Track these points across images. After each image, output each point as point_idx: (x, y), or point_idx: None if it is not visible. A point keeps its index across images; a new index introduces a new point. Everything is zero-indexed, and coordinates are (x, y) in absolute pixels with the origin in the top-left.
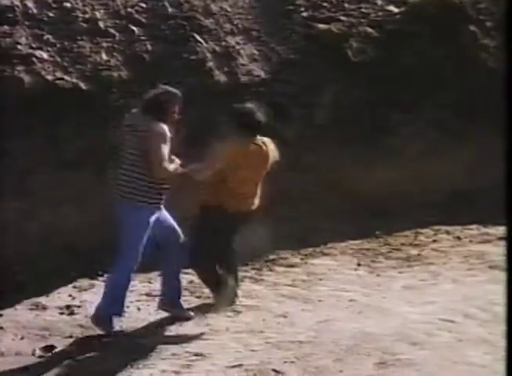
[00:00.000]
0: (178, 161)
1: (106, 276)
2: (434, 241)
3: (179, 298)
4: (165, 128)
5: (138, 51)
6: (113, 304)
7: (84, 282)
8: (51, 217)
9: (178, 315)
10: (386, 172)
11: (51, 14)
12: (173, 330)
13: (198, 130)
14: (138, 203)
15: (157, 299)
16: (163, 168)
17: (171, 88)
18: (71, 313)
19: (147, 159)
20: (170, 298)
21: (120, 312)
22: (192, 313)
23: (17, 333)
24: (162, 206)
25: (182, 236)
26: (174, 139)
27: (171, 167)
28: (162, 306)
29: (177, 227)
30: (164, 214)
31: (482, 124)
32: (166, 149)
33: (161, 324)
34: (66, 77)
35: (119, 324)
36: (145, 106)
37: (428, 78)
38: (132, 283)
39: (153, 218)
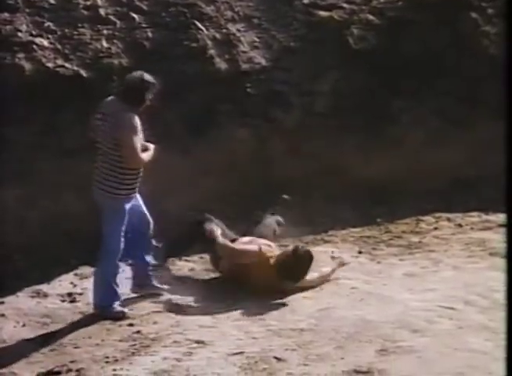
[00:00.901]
0: (151, 146)
1: (94, 269)
2: (435, 229)
3: (148, 276)
4: (136, 118)
5: (138, 38)
6: (107, 294)
7: (85, 270)
8: (52, 204)
9: (151, 292)
10: (387, 160)
11: (51, 1)
12: (174, 317)
13: (198, 117)
14: (114, 194)
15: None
16: (136, 159)
17: (147, 76)
18: (73, 301)
19: (119, 148)
20: (140, 278)
21: (117, 299)
22: (165, 287)
23: (19, 320)
24: (136, 192)
25: (151, 221)
26: (145, 127)
27: (144, 156)
28: (134, 289)
29: (146, 212)
30: (137, 199)
31: (483, 112)
32: (137, 139)
33: (162, 312)
34: (66, 65)
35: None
36: (121, 92)
37: (429, 66)
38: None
39: (128, 206)
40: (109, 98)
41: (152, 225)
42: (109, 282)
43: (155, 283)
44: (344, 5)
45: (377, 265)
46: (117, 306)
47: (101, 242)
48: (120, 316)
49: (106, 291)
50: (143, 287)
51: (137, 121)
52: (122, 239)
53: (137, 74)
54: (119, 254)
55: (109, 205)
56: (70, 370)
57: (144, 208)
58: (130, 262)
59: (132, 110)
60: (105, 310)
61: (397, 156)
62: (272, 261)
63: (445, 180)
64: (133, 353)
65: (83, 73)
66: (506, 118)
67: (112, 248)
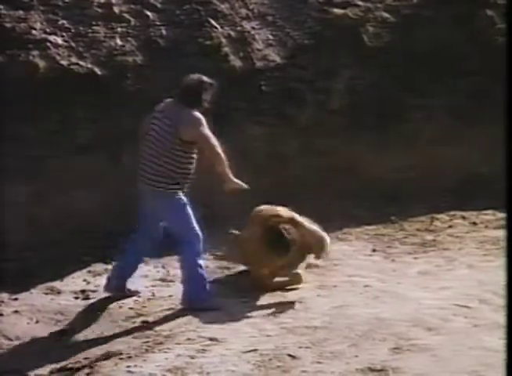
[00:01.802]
0: None
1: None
2: (450, 227)
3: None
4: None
5: (152, 36)
6: (198, 287)
7: (98, 267)
8: (64, 202)
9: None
10: (401, 157)
11: None
12: (187, 314)
13: (213, 115)
14: (168, 189)
15: (175, 283)
16: (216, 149)
17: (206, 78)
18: (86, 298)
19: (183, 145)
20: (121, 279)
21: (208, 292)
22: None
23: (32, 317)
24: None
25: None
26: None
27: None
28: (109, 289)
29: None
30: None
31: (497, 109)
32: (210, 133)
33: (176, 309)
34: (80, 62)
35: None
36: (180, 94)
37: (443, 63)
38: (146, 268)
39: (184, 198)
40: (167, 100)
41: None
42: (199, 274)
43: (130, 286)
44: (359, 3)
45: (391, 263)
46: (209, 299)
47: (179, 240)
48: (213, 308)
49: (196, 284)
50: (118, 289)
51: (201, 116)
52: (197, 227)
53: (195, 76)
54: (200, 243)
55: (166, 202)
56: (83, 367)
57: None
58: (118, 261)
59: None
60: (196, 303)
61: (411, 153)
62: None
63: (460, 178)
64: (146, 350)
65: (97, 70)
66: (506, 117)
67: (191, 240)
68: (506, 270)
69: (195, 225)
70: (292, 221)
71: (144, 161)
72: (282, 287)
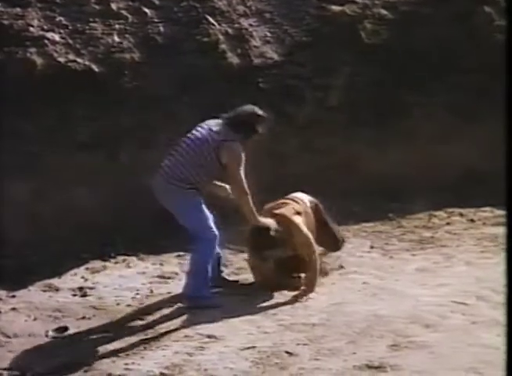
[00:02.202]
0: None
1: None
2: (448, 224)
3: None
4: (241, 148)
5: (150, 33)
6: (199, 284)
7: (96, 264)
8: (63, 199)
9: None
10: (399, 154)
11: None
12: (185, 312)
13: (210, 112)
14: (189, 190)
15: (173, 281)
16: (241, 191)
17: (260, 111)
18: (84, 295)
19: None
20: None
21: (208, 291)
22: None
23: (30, 314)
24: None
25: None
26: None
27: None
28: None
29: None
30: None
31: (495, 107)
32: (242, 170)
33: (174, 306)
34: (78, 60)
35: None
36: (233, 121)
37: (442, 60)
38: (144, 265)
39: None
40: (218, 120)
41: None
42: (207, 271)
43: (225, 275)
44: (357, 0)
45: (389, 260)
46: (209, 296)
47: (193, 236)
48: (213, 306)
49: (201, 280)
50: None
51: (242, 151)
52: (213, 226)
53: (250, 107)
54: (215, 242)
55: (182, 199)
56: (81, 364)
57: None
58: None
59: (240, 140)
60: (197, 300)
61: (409, 150)
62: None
63: (458, 175)
64: (144, 347)
65: (94, 68)
66: (506, 115)
67: (206, 237)
68: (506, 270)
69: (212, 224)
70: (291, 223)
71: (172, 159)
72: (281, 288)
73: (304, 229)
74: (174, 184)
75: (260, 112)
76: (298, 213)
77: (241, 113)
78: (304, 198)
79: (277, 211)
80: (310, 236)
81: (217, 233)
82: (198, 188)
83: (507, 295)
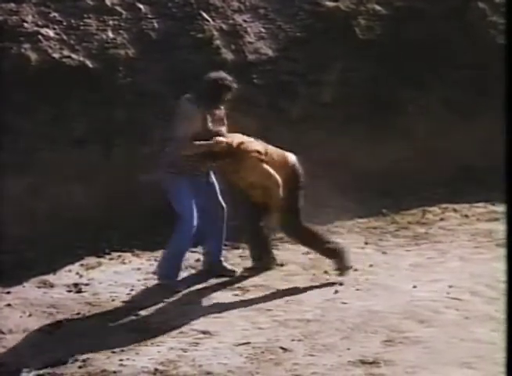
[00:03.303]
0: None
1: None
2: (442, 219)
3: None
4: (193, 108)
5: (144, 29)
6: (169, 265)
7: (91, 260)
8: (58, 195)
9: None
10: (394, 150)
11: None
12: (180, 307)
13: None
14: (168, 172)
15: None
16: (182, 147)
17: (225, 75)
18: (79, 291)
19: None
20: (210, 264)
21: (174, 276)
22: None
23: (25, 310)
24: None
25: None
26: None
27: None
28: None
29: (220, 199)
30: (212, 185)
31: (491, 102)
32: (187, 129)
33: (168, 302)
34: (72, 55)
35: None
36: (196, 90)
37: (437, 56)
38: (139, 261)
39: (189, 183)
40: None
41: (225, 212)
42: (174, 256)
43: (225, 264)
44: None
45: (384, 255)
46: (172, 281)
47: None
48: (172, 290)
49: (167, 262)
50: (213, 270)
51: (193, 111)
52: (194, 215)
53: (213, 74)
54: (190, 231)
55: (168, 182)
56: (76, 360)
57: (218, 195)
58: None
59: (202, 107)
60: (163, 280)
61: (404, 146)
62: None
63: (452, 171)
64: (139, 344)
65: (89, 63)
66: (506, 117)
67: (183, 223)
68: (506, 269)
69: (188, 206)
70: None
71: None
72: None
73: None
74: (164, 171)
75: (222, 79)
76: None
77: (204, 81)
78: (289, 157)
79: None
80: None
81: (193, 217)
82: (182, 170)
83: (507, 294)
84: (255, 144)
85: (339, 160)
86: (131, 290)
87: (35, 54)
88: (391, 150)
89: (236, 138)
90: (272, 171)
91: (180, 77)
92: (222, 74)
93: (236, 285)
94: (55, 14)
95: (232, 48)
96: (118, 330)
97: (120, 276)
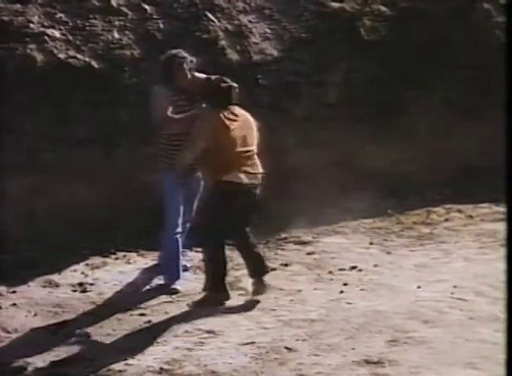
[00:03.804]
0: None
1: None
2: (446, 220)
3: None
4: (158, 89)
5: (150, 29)
6: (168, 265)
7: (96, 260)
8: (62, 194)
9: None
10: (398, 150)
11: None
12: (185, 307)
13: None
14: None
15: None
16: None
17: (179, 52)
18: (84, 291)
19: None
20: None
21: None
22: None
23: (30, 309)
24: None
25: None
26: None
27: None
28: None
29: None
30: (198, 185)
31: (494, 102)
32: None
33: (173, 302)
34: (78, 56)
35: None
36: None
37: (441, 56)
38: (144, 261)
39: (174, 181)
40: None
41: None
42: (167, 257)
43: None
44: None
45: (388, 256)
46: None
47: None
48: (176, 290)
49: (166, 263)
50: None
51: (158, 92)
52: (177, 214)
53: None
54: (173, 229)
55: (162, 178)
56: (81, 360)
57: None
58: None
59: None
60: (166, 280)
61: (408, 146)
62: None
63: (456, 171)
64: (144, 343)
65: (94, 64)
66: (506, 112)
67: (167, 224)
68: (506, 268)
69: (173, 205)
70: None
71: None
72: None
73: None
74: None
75: (172, 56)
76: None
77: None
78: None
79: None
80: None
81: (175, 222)
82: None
83: (507, 293)
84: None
85: (343, 161)
86: (136, 289)
87: (41, 54)
88: (395, 150)
89: None
90: None
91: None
92: (173, 51)
93: (241, 285)
94: (61, 15)
95: (237, 49)
96: (123, 330)
97: (125, 276)
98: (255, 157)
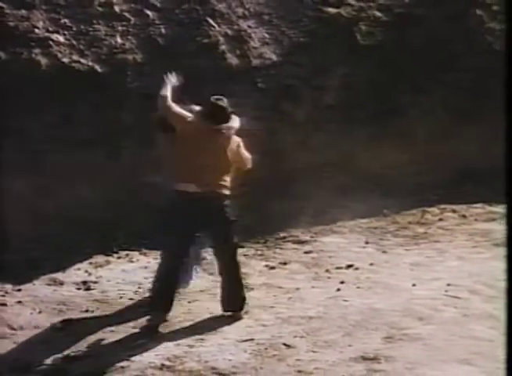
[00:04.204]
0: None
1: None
2: (441, 220)
3: None
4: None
5: (152, 34)
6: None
7: (99, 259)
8: (66, 194)
9: None
10: (394, 152)
11: None
12: (186, 305)
13: None
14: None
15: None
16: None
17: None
18: (87, 289)
19: None
20: None
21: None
22: None
23: (35, 307)
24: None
25: None
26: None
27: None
28: None
29: None
30: None
31: (488, 105)
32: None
33: (175, 300)
34: (82, 60)
35: None
36: None
37: (436, 60)
38: (146, 260)
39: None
40: None
41: None
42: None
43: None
44: (353, 2)
45: (384, 254)
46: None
47: None
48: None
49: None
50: None
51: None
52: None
53: None
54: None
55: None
56: (86, 356)
57: None
58: None
59: None
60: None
61: (404, 148)
62: None
63: (451, 172)
64: (146, 340)
65: (98, 68)
66: (506, 115)
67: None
68: (506, 269)
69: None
70: None
71: None
72: None
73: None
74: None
75: None
76: None
77: None
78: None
79: None
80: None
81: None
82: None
83: (507, 293)
84: None
85: (341, 162)
86: (139, 288)
87: (45, 59)
88: (392, 152)
89: None
90: None
91: (187, 81)
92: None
93: None
94: (65, 20)
95: (237, 53)
96: (126, 327)
97: (127, 274)
98: (222, 174)
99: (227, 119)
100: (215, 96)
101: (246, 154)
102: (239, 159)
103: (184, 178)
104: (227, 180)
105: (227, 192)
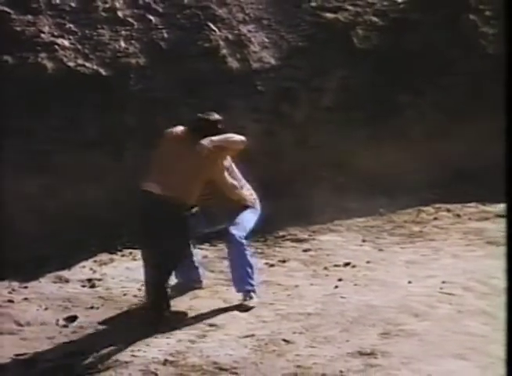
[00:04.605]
0: None
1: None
2: (435, 219)
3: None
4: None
5: (155, 39)
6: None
7: (104, 257)
8: (72, 194)
9: None
10: (390, 153)
11: (72, 4)
12: (188, 302)
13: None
14: None
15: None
16: None
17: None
18: (92, 286)
19: None
20: None
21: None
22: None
23: (41, 304)
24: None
25: None
26: None
27: None
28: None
29: None
30: None
31: (483, 106)
32: None
33: (176, 296)
34: (86, 64)
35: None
36: None
37: (431, 63)
38: None
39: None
40: None
41: None
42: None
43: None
44: (349, 8)
45: (380, 252)
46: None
47: None
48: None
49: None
50: None
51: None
52: None
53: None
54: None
55: None
56: (90, 352)
57: None
58: None
59: None
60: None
61: (400, 149)
62: None
63: (446, 172)
64: (149, 336)
65: (102, 71)
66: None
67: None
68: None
69: None
70: None
71: None
72: None
73: None
74: None
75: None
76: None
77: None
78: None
79: None
80: None
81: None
82: None
83: (507, 293)
84: None
85: (339, 162)
86: (142, 285)
87: (51, 63)
88: (388, 153)
89: None
90: None
91: (188, 84)
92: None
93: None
94: (70, 25)
95: (237, 57)
96: (129, 323)
97: (131, 272)
98: (190, 183)
99: (212, 134)
100: (207, 112)
101: (232, 182)
102: (223, 185)
103: (152, 179)
104: (193, 190)
105: (189, 201)
